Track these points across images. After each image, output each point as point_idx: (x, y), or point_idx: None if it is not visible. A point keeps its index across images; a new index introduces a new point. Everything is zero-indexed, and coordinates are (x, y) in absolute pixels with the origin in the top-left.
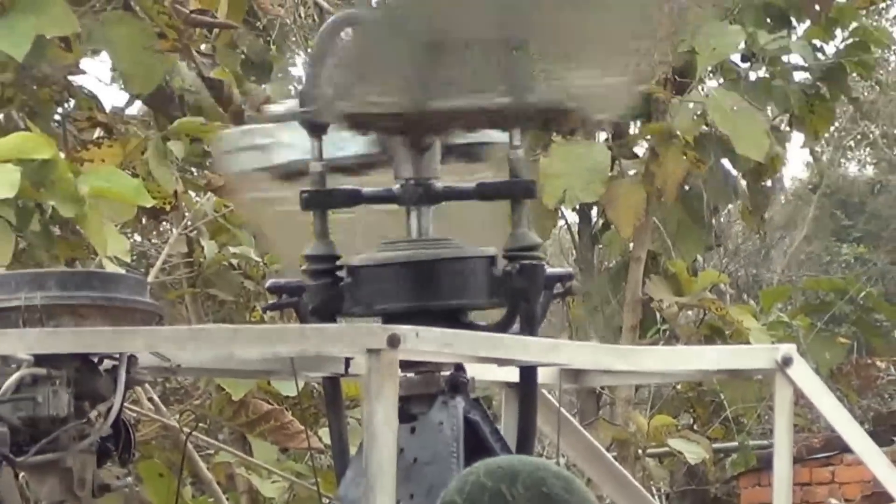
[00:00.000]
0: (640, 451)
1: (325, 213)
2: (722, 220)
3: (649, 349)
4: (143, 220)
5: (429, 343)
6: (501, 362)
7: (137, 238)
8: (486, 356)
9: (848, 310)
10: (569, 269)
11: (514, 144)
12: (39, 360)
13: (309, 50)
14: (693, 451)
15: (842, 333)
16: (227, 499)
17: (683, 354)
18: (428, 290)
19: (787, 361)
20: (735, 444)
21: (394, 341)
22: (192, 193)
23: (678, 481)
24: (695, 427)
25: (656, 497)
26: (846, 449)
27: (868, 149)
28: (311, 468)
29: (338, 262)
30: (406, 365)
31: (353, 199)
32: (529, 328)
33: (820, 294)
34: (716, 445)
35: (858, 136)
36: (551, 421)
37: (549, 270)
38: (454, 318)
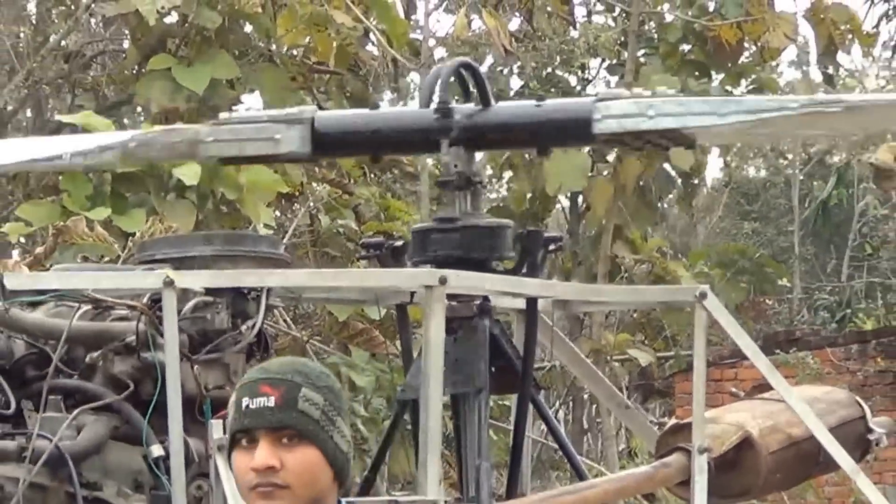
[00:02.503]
0: (608, 358)
1: None
2: (664, 205)
3: (615, 287)
4: (281, 202)
5: (466, 282)
6: (514, 296)
7: (277, 213)
8: (505, 291)
9: (747, 265)
10: (561, 234)
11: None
12: (209, 291)
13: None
14: (644, 358)
15: (743, 281)
16: None
17: (637, 291)
18: (470, 246)
19: (703, 296)
20: (672, 353)
21: (443, 280)
22: (314, 184)
23: (634, 378)
24: (645, 341)
25: (621, 390)
26: (744, 357)
27: (762, 158)
28: (389, 366)
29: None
30: (451, 296)
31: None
32: (533, 273)
33: (729, 255)
34: (659, 354)
35: (756, 150)
36: (548, 336)
37: (547, 234)
38: (484, 265)
